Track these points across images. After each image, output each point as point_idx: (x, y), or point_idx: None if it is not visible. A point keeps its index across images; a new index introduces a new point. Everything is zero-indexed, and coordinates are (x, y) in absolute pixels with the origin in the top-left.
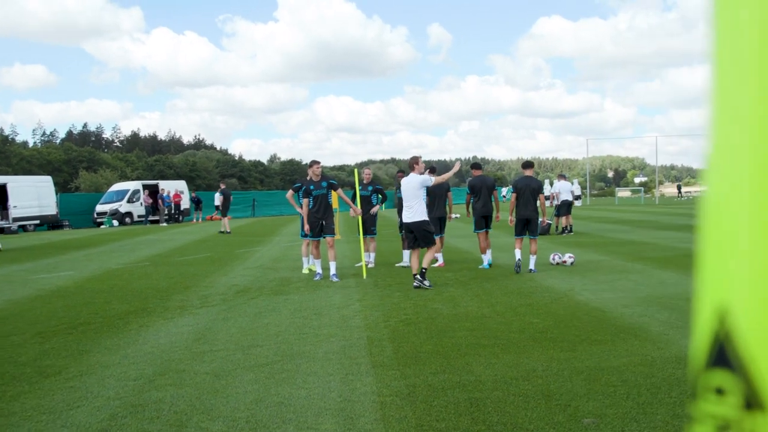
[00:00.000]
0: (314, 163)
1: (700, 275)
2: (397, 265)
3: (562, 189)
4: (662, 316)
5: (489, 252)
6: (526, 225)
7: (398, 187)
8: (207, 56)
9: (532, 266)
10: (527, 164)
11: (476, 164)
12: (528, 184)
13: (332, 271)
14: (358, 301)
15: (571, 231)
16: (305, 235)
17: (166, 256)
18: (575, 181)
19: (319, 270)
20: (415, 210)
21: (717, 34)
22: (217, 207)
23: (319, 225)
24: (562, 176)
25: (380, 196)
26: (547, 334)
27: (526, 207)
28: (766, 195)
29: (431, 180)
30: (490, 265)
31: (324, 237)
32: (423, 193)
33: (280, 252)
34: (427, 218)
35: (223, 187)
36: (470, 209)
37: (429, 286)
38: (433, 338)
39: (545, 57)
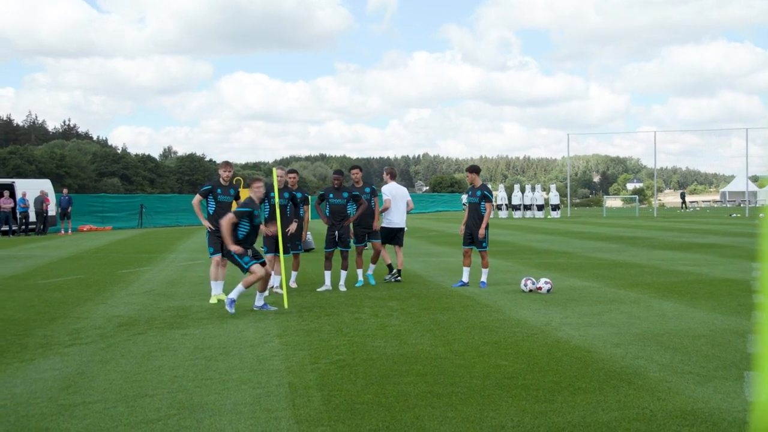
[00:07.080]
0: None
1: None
2: (318, 290)
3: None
4: (663, 359)
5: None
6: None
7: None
8: (79, 17)
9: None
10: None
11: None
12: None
13: (259, 301)
14: (278, 338)
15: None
16: (214, 252)
17: (24, 279)
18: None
19: (233, 296)
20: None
21: None
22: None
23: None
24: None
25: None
26: (518, 381)
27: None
28: None
29: None
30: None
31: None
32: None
33: (177, 273)
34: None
35: None
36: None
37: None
38: (373, 385)
39: (514, 29)
